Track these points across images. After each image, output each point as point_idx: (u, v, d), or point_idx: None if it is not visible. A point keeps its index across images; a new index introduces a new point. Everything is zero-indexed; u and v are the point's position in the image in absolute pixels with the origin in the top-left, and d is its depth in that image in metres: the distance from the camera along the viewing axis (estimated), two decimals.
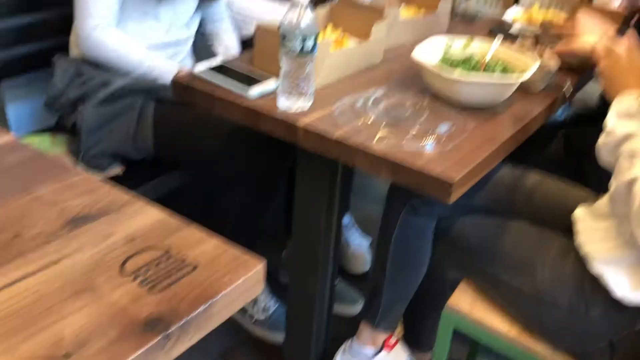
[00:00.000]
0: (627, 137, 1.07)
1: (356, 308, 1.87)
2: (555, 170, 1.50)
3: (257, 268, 0.70)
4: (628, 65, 1.19)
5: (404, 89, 1.41)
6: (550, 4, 1.92)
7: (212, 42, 1.87)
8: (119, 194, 0.79)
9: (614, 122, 1.11)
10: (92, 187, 0.81)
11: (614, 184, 1.07)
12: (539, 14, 1.83)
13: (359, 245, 2.11)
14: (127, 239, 0.72)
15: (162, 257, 0.69)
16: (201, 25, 1.87)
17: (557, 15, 1.86)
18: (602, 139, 1.12)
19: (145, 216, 0.76)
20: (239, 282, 0.67)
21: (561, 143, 1.73)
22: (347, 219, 2.14)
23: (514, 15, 1.85)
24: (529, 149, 1.73)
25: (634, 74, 1.17)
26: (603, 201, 1.20)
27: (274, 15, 1.86)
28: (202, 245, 0.74)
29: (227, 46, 1.84)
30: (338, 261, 1.62)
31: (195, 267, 0.68)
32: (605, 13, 1.73)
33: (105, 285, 0.64)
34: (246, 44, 1.90)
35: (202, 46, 1.88)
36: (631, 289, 1.10)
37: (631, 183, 1.01)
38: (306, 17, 1.20)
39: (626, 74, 1.18)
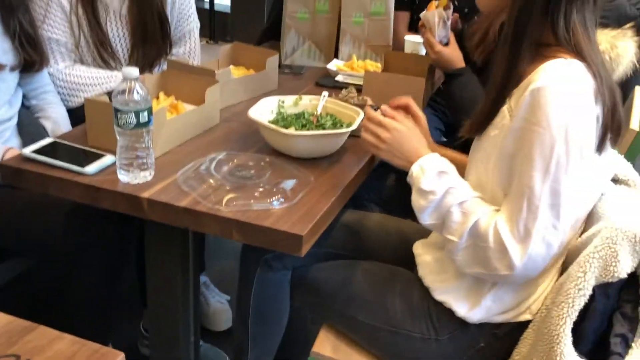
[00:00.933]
0: (447, 192, 1.15)
1: None
2: (393, 207, 1.62)
3: None
4: (402, 139, 1.24)
5: (245, 148, 1.45)
6: (365, 56, 2.08)
7: (38, 116, 1.79)
8: None
9: (433, 183, 1.16)
10: None
11: (449, 238, 1.14)
12: (359, 64, 1.97)
13: (219, 303, 2.09)
14: None
15: None
16: (25, 99, 1.78)
17: (373, 65, 2.01)
18: (421, 203, 1.17)
19: None
20: None
21: (393, 180, 1.87)
22: (203, 278, 2.11)
23: (336, 65, 1.98)
24: (368, 191, 1.85)
25: (414, 141, 1.24)
26: (434, 234, 1.31)
27: (102, 84, 1.83)
28: (56, 344, 0.71)
29: (56, 120, 1.76)
30: (199, 322, 1.60)
31: None
32: (413, 58, 1.92)
33: None
34: (74, 113, 1.83)
35: (27, 122, 1.78)
36: (469, 309, 1.21)
37: (475, 227, 1.10)
38: (137, 89, 1.20)
39: (407, 144, 1.24)
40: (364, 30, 2.05)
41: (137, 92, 1.20)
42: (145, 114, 1.21)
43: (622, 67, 1.29)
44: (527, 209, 1.06)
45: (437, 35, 1.75)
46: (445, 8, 1.74)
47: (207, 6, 5.10)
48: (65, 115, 1.80)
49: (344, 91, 1.68)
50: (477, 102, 1.21)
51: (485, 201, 1.15)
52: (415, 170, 1.19)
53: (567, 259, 1.16)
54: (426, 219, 1.17)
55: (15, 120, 1.72)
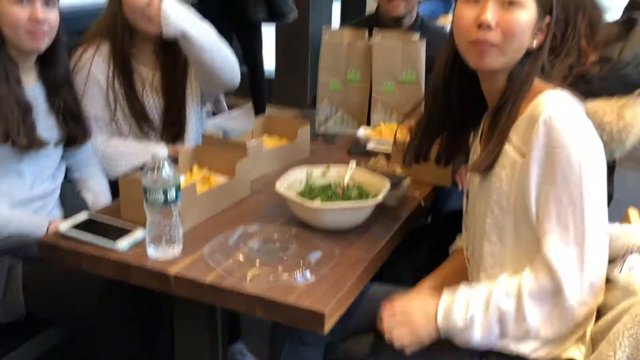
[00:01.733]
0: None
1: None
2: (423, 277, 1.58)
3: None
4: (410, 314, 1.23)
5: (274, 219, 1.47)
6: (391, 119, 2.08)
7: (80, 188, 1.86)
8: None
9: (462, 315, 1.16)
10: None
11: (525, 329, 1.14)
12: (387, 129, 1.97)
13: None
14: None
15: None
16: (68, 172, 1.86)
17: (400, 127, 1.98)
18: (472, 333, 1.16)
19: None
20: None
21: (426, 248, 1.84)
22: (239, 346, 2.11)
23: (364, 132, 1.99)
24: (401, 259, 1.82)
25: (420, 313, 1.22)
26: None
27: (140, 157, 1.89)
28: None
29: (96, 192, 1.83)
30: None
31: None
32: None
33: None
34: (116, 183, 1.89)
35: (70, 194, 1.85)
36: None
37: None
38: (166, 168, 1.24)
39: (418, 316, 1.22)
40: (394, 98, 2.07)
41: (165, 171, 1.24)
42: (173, 191, 1.25)
43: (632, 137, 1.28)
44: (573, 223, 1.09)
45: None
46: None
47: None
48: (106, 187, 1.87)
49: (372, 160, 1.69)
50: None
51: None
52: (442, 325, 1.18)
53: (597, 335, 1.11)
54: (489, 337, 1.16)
55: (57, 193, 1.79)
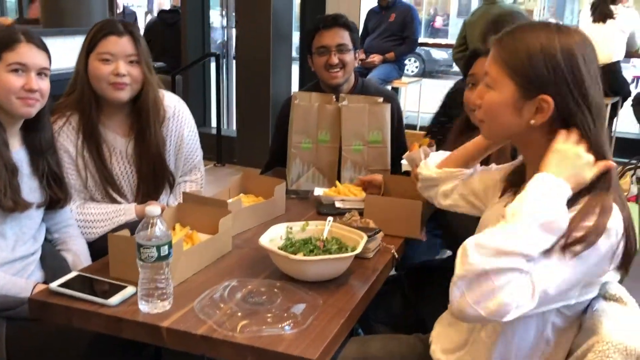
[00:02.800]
0: None
1: None
2: (400, 324, 1.66)
3: None
4: None
5: (257, 273, 1.53)
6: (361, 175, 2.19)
7: (60, 249, 1.88)
8: None
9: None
10: None
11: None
12: (344, 188, 2.07)
13: None
14: None
15: None
16: (48, 233, 1.88)
17: (355, 188, 2.09)
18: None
19: None
20: None
21: (399, 298, 1.93)
22: None
23: (321, 192, 2.07)
24: (375, 311, 1.90)
25: None
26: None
27: (112, 219, 1.94)
28: None
29: (76, 253, 1.86)
30: None
31: None
32: (411, 181, 2.01)
33: None
34: (92, 245, 1.93)
35: (50, 255, 1.87)
36: None
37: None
38: (159, 225, 1.31)
39: None
40: (363, 157, 2.20)
41: (159, 228, 1.30)
42: (166, 247, 1.31)
43: None
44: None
45: None
46: (429, 145, 1.88)
47: (214, 131, 5.36)
48: (85, 248, 1.90)
49: (347, 215, 1.79)
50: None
51: None
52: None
53: None
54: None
55: (39, 254, 1.81)
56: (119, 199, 2.02)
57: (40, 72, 1.66)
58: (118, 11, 6.97)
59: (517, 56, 1.18)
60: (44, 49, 1.71)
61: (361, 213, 1.86)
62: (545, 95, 1.16)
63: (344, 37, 2.39)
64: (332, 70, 2.37)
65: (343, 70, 2.39)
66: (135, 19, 7.30)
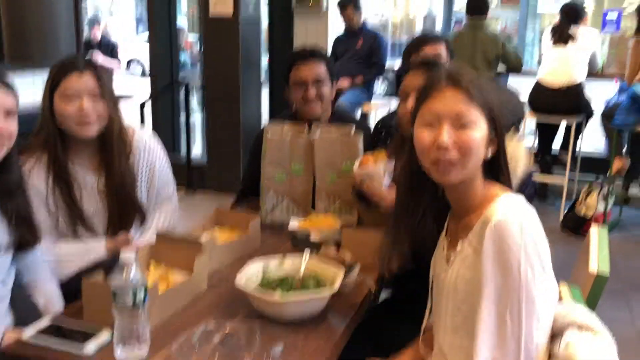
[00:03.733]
0: None
1: None
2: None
3: None
4: None
5: (234, 313, 1.52)
6: (340, 210, 2.20)
7: (31, 293, 1.84)
8: None
9: None
10: None
11: None
12: (318, 220, 2.07)
13: None
14: None
15: None
16: (17, 276, 1.84)
17: (329, 218, 2.09)
18: None
19: None
20: None
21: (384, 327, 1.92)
22: None
23: (296, 224, 2.05)
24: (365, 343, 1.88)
25: None
26: None
27: (82, 257, 1.92)
28: None
29: (48, 296, 1.81)
30: None
31: None
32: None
33: None
34: (63, 285, 1.89)
35: (19, 298, 1.83)
36: None
37: None
38: (133, 271, 1.29)
39: None
40: (337, 187, 2.20)
41: (134, 273, 1.28)
42: (142, 292, 1.29)
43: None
44: (511, 321, 1.19)
45: (384, 186, 1.89)
46: (389, 159, 1.90)
47: (184, 160, 5.32)
48: (57, 291, 1.85)
49: (323, 248, 1.78)
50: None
51: None
52: None
53: None
54: None
55: (8, 298, 1.77)
56: (89, 235, 1.99)
57: (7, 114, 1.63)
58: (96, 40, 6.90)
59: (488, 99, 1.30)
60: (10, 88, 1.68)
61: (338, 243, 1.86)
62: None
63: (321, 69, 2.42)
64: (309, 105, 2.39)
65: (321, 103, 2.41)
66: (114, 48, 7.15)
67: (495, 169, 1.34)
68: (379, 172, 1.88)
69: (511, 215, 1.22)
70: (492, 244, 1.20)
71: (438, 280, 1.38)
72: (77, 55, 2.18)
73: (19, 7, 4.97)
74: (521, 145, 1.79)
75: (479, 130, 1.27)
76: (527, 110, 4.73)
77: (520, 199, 1.28)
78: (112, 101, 1.97)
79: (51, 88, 1.93)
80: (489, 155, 1.31)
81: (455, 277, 1.30)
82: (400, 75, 1.94)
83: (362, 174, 1.91)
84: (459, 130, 1.27)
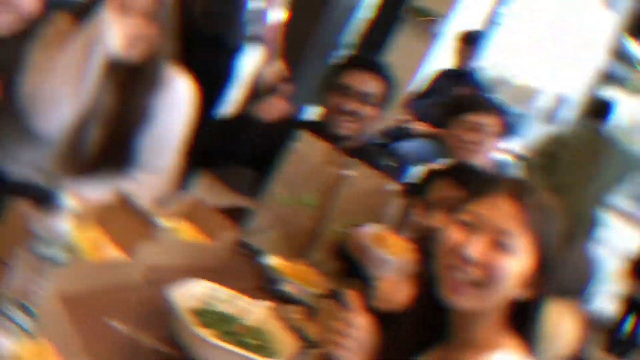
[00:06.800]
0: None
1: None
2: None
3: None
4: None
5: (156, 327, 1.46)
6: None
7: None
8: None
9: None
10: None
11: None
12: (304, 271, 2.00)
13: None
14: None
15: None
16: None
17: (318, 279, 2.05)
18: None
19: None
20: None
21: None
22: None
23: (274, 262, 1.99)
24: None
25: None
26: None
27: None
28: None
29: None
30: None
31: None
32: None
33: None
34: None
35: None
36: None
37: None
38: (64, 225, 1.26)
39: None
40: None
41: (63, 227, 1.26)
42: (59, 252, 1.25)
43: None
44: None
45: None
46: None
47: None
48: None
49: (289, 308, 1.72)
50: None
51: None
52: None
53: None
54: None
55: None
56: None
57: None
58: None
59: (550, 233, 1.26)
60: None
61: (312, 310, 1.79)
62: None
63: (376, 87, 2.37)
64: (343, 117, 2.34)
65: (356, 123, 2.35)
66: None
67: (522, 317, 1.28)
68: (399, 264, 1.83)
69: None
70: None
71: None
72: None
73: None
74: (570, 318, 1.70)
75: (518, 261, 1.23)
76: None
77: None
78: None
79: None
80: (521, 297, 1.25)
81: None
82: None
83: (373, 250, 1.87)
84: (494, 250, 1.23)
